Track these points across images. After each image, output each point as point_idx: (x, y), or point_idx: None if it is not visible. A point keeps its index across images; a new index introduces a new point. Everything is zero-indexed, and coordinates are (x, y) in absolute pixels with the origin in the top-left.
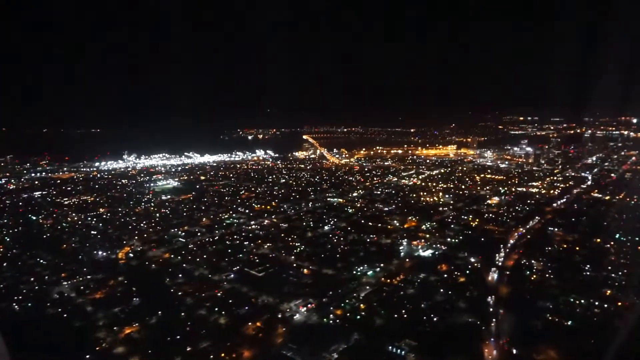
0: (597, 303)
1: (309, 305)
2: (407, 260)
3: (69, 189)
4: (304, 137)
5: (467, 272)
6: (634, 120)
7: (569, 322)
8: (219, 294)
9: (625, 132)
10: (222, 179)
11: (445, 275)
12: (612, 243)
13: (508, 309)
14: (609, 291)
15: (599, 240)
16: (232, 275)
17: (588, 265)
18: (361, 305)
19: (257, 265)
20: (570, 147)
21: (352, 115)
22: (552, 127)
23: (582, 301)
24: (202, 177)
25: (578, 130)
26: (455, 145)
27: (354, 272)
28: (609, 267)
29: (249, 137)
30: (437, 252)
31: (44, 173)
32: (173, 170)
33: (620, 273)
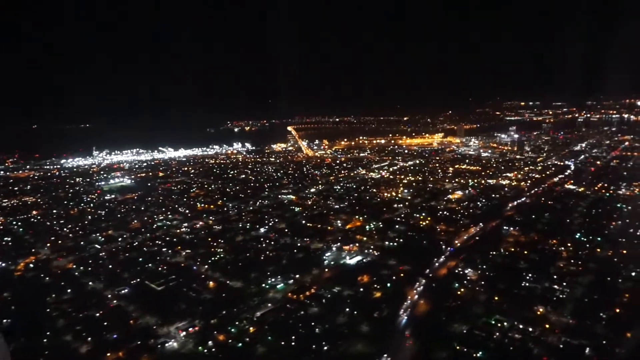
0: (521, 326)
1: (191, 329)
2: (328, 269)
3: (17, 189)
4: (289, 128)
5: (388, 284)
6: (639, 103)
7: (479, 354)
8: (97, 314)
9: (626, 116)
10: (180, 176)
11: (362, 289)
12: (568, 244)
13: (415, 335)
14: (541, 309)
15: (555, 241)
16: (127, 290)
17: (530, 274)
18: (251, 328)
19: (162, 276)
20: (559, 133)
21: (352, 104)
22: (550, 112)
23: (505, 324)
24: (161, 174)
25: (577, 115)
26: (442, 133)
27: (264, 285)
28: (555, 276)
29: (235, 130)
30: (365, 259)
31: (2, 172)
32: (137, 166)
33: (564, 283)
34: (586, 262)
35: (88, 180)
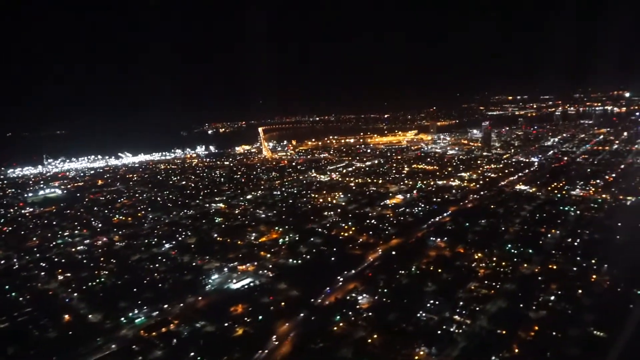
0: None
1: None
2: (205, 297)
3: None
4: (259, 129)
5: (260, 317)
6: (627, 95)
7: None
8: None
9: (610, 108)
10: (119, 184)
11: (227, 324)
12: (493, 258)
13: None
14: (423, 351)
15: (480, 254)
16: None
17: (433, 301)
18: None
19: (18, 309)
20: (532, 127)
21: (336, 102)
22: (534, 106)
23: None
24: (101, 182)
25: (560, 109)
26: (415, 130)
27: (123, 318)
28: (461, 302)
29: (210, 132)
30: (253, 283)
31: None
32: (82, 175)
33: (466, 312)
34: (504, 281)
35: (19, 191)
